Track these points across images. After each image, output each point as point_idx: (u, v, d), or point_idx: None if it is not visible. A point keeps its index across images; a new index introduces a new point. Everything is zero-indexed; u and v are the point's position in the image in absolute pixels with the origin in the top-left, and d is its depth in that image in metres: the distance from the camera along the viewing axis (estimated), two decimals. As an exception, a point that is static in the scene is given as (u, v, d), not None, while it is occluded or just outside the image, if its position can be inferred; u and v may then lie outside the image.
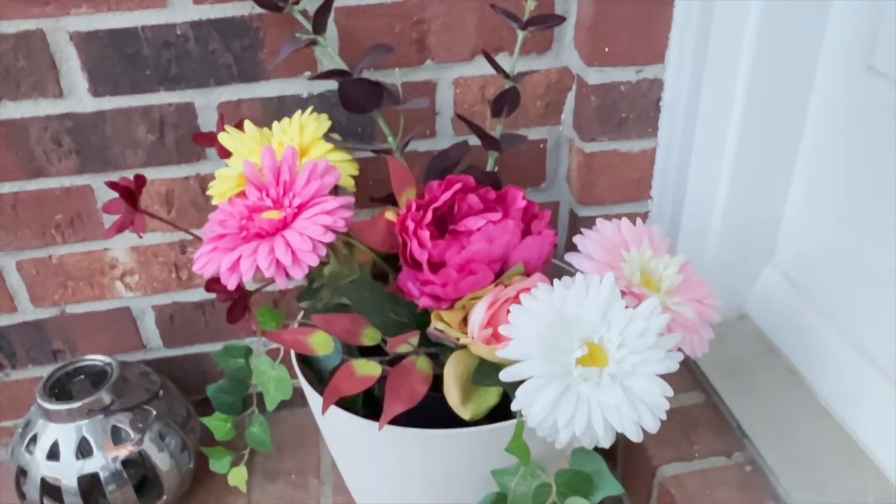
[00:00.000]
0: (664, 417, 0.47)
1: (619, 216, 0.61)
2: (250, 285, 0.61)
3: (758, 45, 0.64)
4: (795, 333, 0.72)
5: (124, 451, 0.73)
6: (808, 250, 0.71)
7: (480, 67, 0.73)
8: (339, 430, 0.62)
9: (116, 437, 0.73)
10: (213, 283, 0.58)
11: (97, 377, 0.77)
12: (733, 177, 0.70)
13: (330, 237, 0.52)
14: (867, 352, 0.64)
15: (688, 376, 0.74)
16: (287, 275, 0.52)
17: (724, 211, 0.72)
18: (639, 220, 0.59)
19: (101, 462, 0.72)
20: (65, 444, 0.72)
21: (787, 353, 0.73)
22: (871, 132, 0.60)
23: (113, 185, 0.59)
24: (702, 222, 0.74)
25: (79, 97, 0.69)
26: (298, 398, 0.67)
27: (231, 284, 0.53)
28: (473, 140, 0.66)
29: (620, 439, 0.51)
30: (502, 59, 0.70)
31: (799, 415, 0.67)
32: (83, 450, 0.72)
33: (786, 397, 0.69)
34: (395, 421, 0.53)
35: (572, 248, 0.57)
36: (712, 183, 0.71)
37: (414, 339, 0.54)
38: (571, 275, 0.52)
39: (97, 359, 0.78)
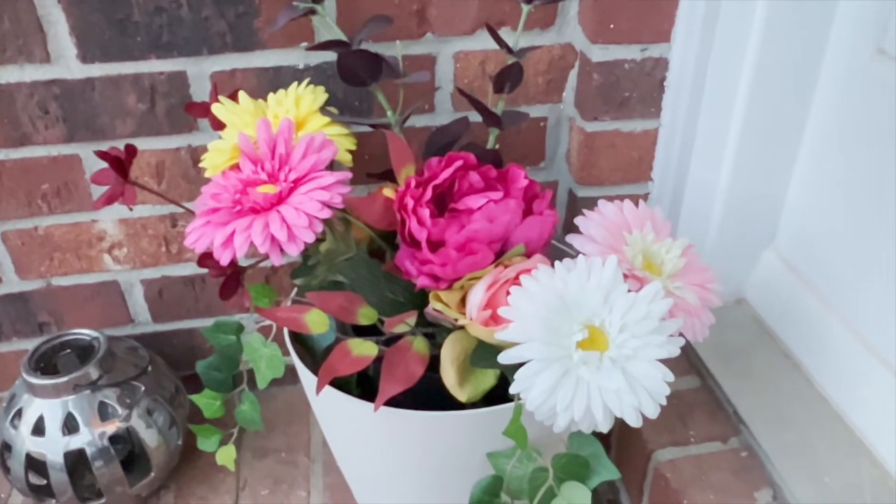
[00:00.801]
0: (664, 403, 0.47)
1: (618, 197, 0.61)
2: (244, 261, 0.60)
3: (766, 26, 0.63)
4: (793, 319, 0.72)
5: (111, 427, 0.72)
6: (808, 235, 0.71)
7: (481, 41, 0.72)
8: (333, 410, 0.61)
9: (103, 412, 0.72)
10: (206, 259, 0.57)
11: (84, 351, 0.77)
12: (737, 159, 0.70)
13: (326, 213, 0.51)
14: (866, 339, 0.64)
15: (684, 360, 0.74)
16: (282, 251, 0.51)
17: (727, 194, 0.72)
18: (641, 201, 0.58)
19: (88, 438, 0.71)
20: (50, 420, 0.71)
21: (784, 339, 0.73)
22: (878, 116, 0.60)
23: (102, 155, 0.58)
24: (703, 205, 0.73)
25: (67, 63, 0.68)
26: (289, 375, 0.66)
27: (224, 260, 0.52)
28: (473, 116, 0.66)
29: (616, 422, 0.51)
30: (504, 34, 0.69)
31: (795, 401, 0.67)
32: (69, 425, 0.71)
33: (782, 383, 0.69)
34: (391, 402, 0.53)
35: (570, 228, 0.56)
36: (715, 165, 0.71)
37: (411, 319, 0.54)
38: (570, 256, 0.52)
39: (84, 333, 0.77)
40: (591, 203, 0.74)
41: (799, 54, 0.65)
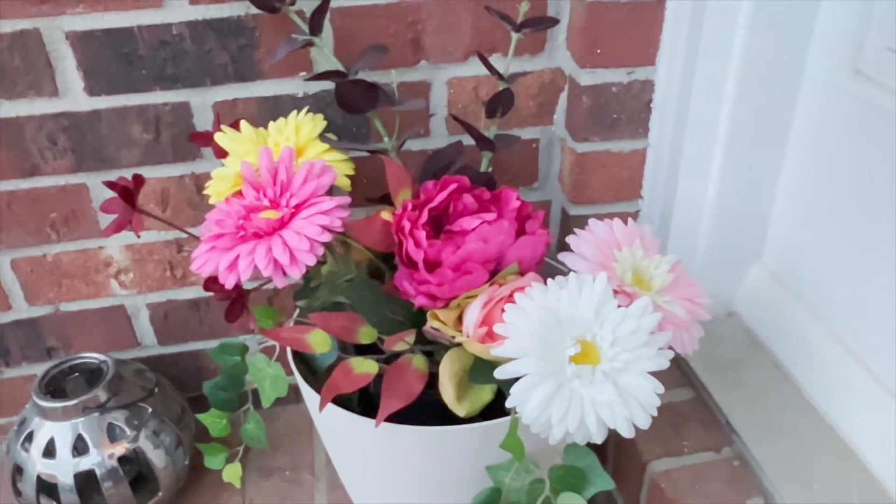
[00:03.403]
0: (655, 414, 0.48)
1: (610, 215, 0.62)
2: (248, 284, 0.61)
3: (747, 47, 0.64)
4: (782, 330, 0.73)
5: (120, 449, 0.73)
6: (794, 248, 0.72)
7: (474, 68, 0.73)
8: (336, 426, 0.62)
9: (112, 434, 0.73)
10: (211, 283, 0.58)
11: (92, 375, 0.77)
12: (722, 176, 0.71)
13: (327, 237, 0.53)
14: (852, 349, 0.65)
15: (677, 373, 0.75)
16: (285, 274, 0.53)
17: (714, 210, 0.73)
18: (630, 220, 0.60)
19: (97, 459, 0.72)
20: (61, 442, 0.72)
21: (773, 350, 0.74)
22: (857, 134, 0.61)
23: (111, 185, 0.59)
24: (691, 221, 0.75)
25: (74, 96, 0.69)
26: (291, 394, 0.67)
27: (229, 284, 0.53)
28: (467, 139, 0.67)
29: (612, 434, 0.51)
30: (495, 60, 0.71)
31: (785, 410, 0.67)
32: (79, 447, 0.72)
33: (773, 393, 0.69)
34: (391, 418, 0.53)
35: (564, 246, 0.57)
36: (702, 182, 0.72)
37: (410, 337, 0.55)
38: (564, 273, 0.52)
39: (92, 356, 0.78)
40: (583, 221, 0.75)
41: (779, 73, 0.66)
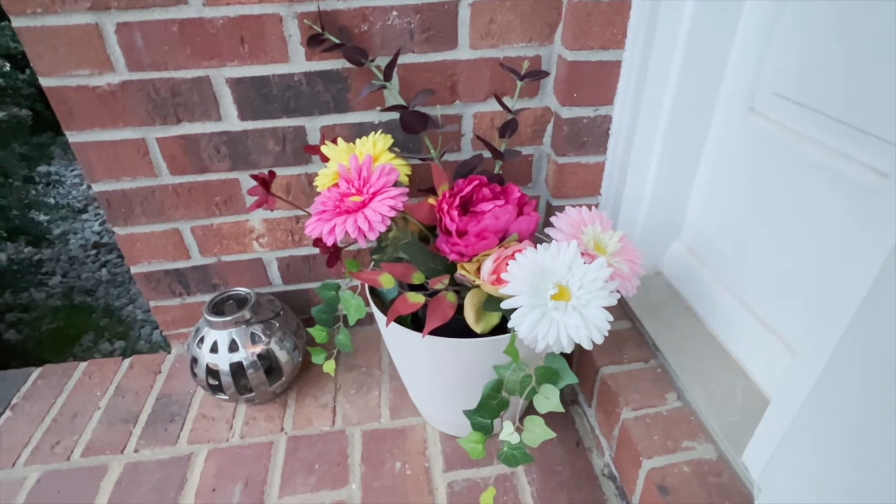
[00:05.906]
0: (606, 335, 0.47)
1: (579, 205, 0.61)
2: (342, 244, 0.61)
3: (676, 94, 0.63)
4: (692, 284, 0.72)
5: (258, 349, 0.74)
6: (702, 230, 0.71)
7: (491, 105, 0.72)
8: (396, 338, 0.62)
9: (253, 339, 0.74)
10: (318, 242, 0.59)
11: (241, 301, 0.78)
12: (655, 181, 0.69)
13: (393, 213, 0.53)
14: (740, 297, 0.64)
15: (620, 310, 0.74)
16: (365, 237, 0.53)
17: (649, 203, 0.71)
18: (593, 207, 0.59)
19: (244, 355, 0.73)
20: (221, 343, 0.73)
21: (686, 297, 0.73)
22: (750, 155, 0.60)
23: (255, 177, 0.60)
24: (633, 210, 0.73)
25: (231, 121, 0.69)
26: (367, 319, 0.67)
27: (329, 242, 0.53)
28: (485, 153, 0.66)
29: (577, 347, 0.51)
30: (506, 100, 0.70)
31: (693, 337, 0.67)
32: (232, 347, 0.73)
33: (684, 326, 0.69)
34: (433, 333, 0.54)
35: (549, 224, 0.57)
36: (641, 185, 0.71)
37: (446, 280, 0.55)
38: (547, 241, 0.52)
39: (241, 290, 0.79)
40: (562, 209, 0.75)
41: (697, 112, 0.64)
